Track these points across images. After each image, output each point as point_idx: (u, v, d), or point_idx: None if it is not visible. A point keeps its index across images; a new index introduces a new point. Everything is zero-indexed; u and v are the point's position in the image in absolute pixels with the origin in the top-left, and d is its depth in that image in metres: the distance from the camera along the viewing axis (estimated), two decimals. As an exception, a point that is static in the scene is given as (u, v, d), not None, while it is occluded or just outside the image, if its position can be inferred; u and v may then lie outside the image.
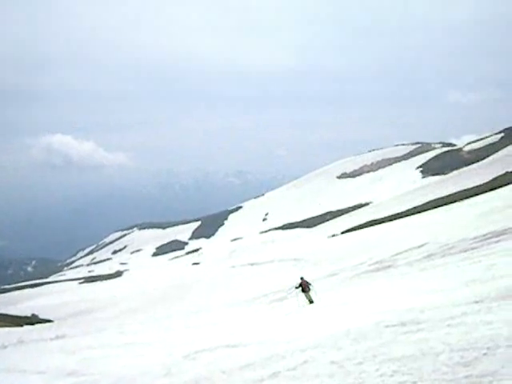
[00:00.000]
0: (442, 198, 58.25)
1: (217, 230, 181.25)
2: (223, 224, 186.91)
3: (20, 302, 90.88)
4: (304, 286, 18.83)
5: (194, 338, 14.25)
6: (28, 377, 12.13)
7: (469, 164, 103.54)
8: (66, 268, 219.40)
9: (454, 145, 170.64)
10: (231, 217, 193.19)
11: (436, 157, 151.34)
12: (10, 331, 45.82)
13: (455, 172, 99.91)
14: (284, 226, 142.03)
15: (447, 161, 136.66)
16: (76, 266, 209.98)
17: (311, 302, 18.37)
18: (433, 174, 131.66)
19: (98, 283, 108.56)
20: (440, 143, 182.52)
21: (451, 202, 51.75)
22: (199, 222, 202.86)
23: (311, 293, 18.75)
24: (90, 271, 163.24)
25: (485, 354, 5.53)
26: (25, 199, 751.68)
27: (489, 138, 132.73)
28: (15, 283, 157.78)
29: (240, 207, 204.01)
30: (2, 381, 11.69)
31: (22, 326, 52.63)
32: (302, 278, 19.31)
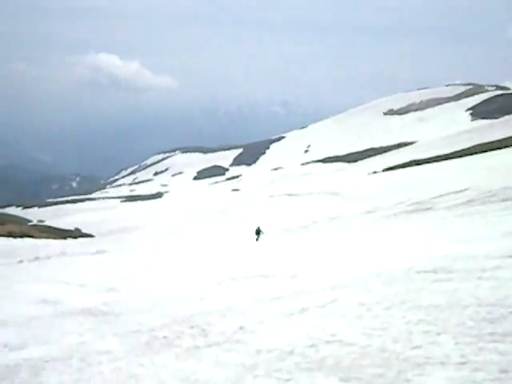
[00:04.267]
0: (490, 142, 56.73)
1: (258, 159, 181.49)
2: (265, 153, 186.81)
3: (64, 216, 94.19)
4: (258, 231, 29.66)
5: (229, 265, 14.62)
6: (69, 288, 12.63)
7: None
8: (108, 186, 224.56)
9: (508, 88, 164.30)
10: (273, 146, 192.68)
11: (488, 100, 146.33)
12: (54, 243, 47.85)
13: (506, 117, 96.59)
14: (325, 159, 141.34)
15: (499, 105, 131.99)
16: (118, 185, 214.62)
17: (258, 239, 29.06)
18: (482, 118, 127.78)
19: (139, 203, 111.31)
20: (494, 86, 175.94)
21: (498, 148, 50.42)
22: (241, 150, 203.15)
23: (261, 236, 29.28)
24: (131, 190, 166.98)
25: (511, 313, 5.57)
26: (71, 116, 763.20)
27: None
28: (60, 198, 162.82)
29: (283, 137, 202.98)
30: (46, 290, 12.24)
31: (65, 238, 54.85)
32: (258, 227, 30.06)
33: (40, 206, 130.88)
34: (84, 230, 66.67)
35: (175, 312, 8.12)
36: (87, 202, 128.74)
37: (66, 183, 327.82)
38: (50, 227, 69.36)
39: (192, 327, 7.04)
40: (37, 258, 31.27)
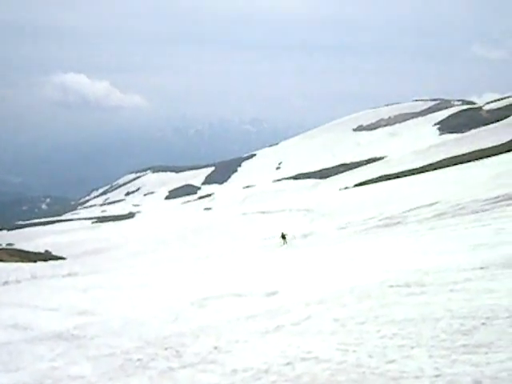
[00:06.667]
0: (458, 156, 57.78)
1: (230, 177, 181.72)
2: (236, 171, 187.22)
3: (34, 239, 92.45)
4: (283, 236, 32.60)
5: (202, 284, 14.48)
6: (40, 313, 12.34)
7: (487, 123, 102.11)
8: (79, 207, 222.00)
9: (474, 103, 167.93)
10: (245, 164, 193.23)
11: (454, 114, 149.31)
12: (23, 266, 46.89)
13: (473, 131, 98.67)
14: (297, 175, 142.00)
15: (466, 119, 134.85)
16: (89, 206, 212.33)
17: (285, 242, 32.10)
18: (450, 132, 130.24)
19: (111, 223, 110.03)
20: (460, 101, 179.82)
21: (466, 162, 51.35)
22: (212, 168, 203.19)
23: (286, 239, 32.36)
24: (102, 211, 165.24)
25: (483, 324, 5.64)
26: (41, 137, 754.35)
27: (510, 98, 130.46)
28: (30, 220, 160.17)
29: (254, 155, 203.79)
30: (15, 315, 11.95)
31: (35, 261, 53.80)
32: (282, 232, 33.01)
33: (9, 229, 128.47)
34: (55, 253, 65.62)
35: (149, 334, 8.02)
36: (57, 224, 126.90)
37: (36, 205, 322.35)
38: (19, 250, 68.09)
39: (166, 349, 6.94)
40: (6, 283, 30.61)
